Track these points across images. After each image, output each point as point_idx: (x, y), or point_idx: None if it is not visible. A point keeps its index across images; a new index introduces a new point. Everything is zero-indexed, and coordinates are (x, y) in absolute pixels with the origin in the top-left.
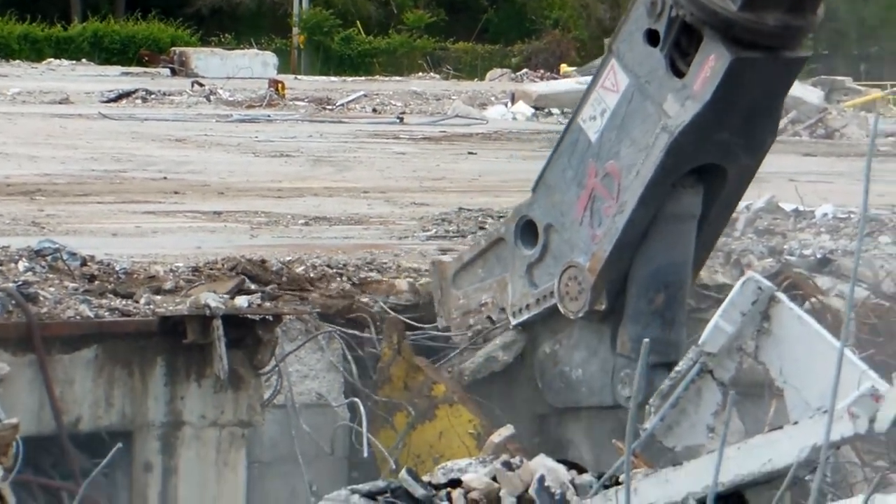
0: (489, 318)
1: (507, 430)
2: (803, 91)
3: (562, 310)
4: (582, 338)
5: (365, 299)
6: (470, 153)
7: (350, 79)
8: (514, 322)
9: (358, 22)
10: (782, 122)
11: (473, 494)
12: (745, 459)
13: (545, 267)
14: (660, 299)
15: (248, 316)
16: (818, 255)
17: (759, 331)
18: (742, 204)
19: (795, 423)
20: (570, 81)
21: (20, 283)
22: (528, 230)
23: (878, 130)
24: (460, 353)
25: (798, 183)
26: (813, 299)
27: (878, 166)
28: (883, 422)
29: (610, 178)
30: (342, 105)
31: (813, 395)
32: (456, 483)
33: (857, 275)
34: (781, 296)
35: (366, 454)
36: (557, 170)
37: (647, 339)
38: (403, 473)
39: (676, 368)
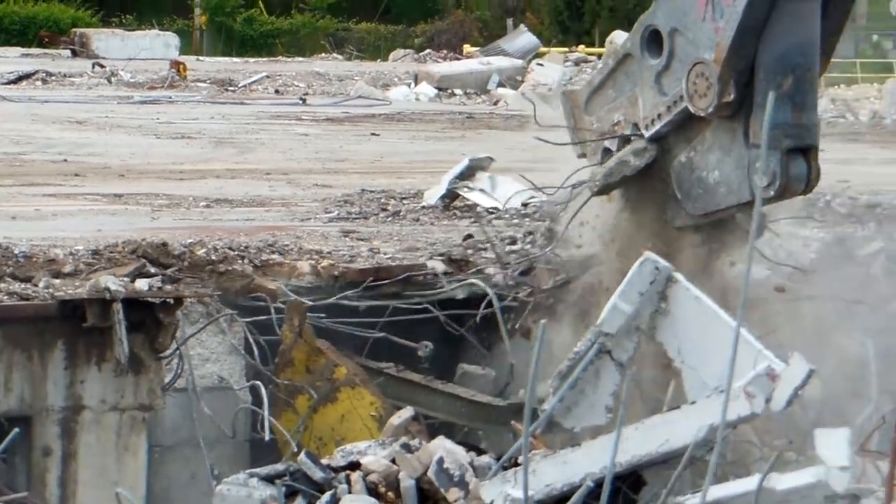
0: (623, 136)
1: (407, 412)
2: None
3: (692, 109)
4: (715, 139)
5: (266, 281)
6: (373, 134)
7: (252, 60)
8: (647, 134)
9: (260, 2)
10: None
11: (373, 477)
12: (643, 440)
13: (673, 73)
14: (788, 82)
15: (149, 299)
16: None
17: (657, 311)
18: None
19: (693, 402)
20: (472, 62)
21: None
22: (653, 39)
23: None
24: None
25: None
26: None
27: None
28: (779, 401)
29: None
30: (244, 86)
31: (710, 375)
32: (355, 466)
33: (753, 255)
34: (679, 276)
35: (267, 437)
36: None
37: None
38: (303, 456)
39: (575, 349)
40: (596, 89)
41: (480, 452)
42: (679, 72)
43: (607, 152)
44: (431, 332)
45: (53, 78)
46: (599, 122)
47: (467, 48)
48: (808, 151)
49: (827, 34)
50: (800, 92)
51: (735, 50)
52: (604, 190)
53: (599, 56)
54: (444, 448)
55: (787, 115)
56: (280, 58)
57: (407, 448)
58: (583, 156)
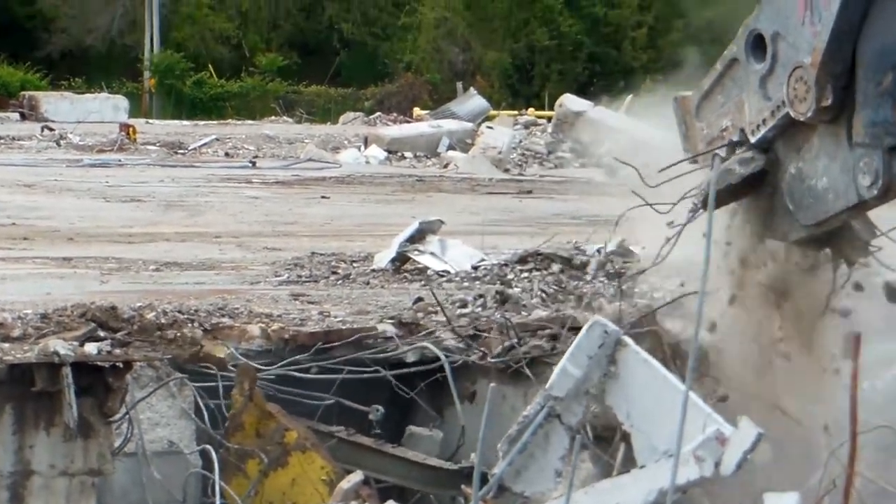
0: (731, 141)
1: (356, 476)
2: (653, 134)
3: (793, 114)
4: (822, 145)
5: (216, 347)
6: (323, 197)
7: (202, 122)
8: (753, 140)
9: (210, 65)
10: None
11: None
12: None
13: (776, 77)
14: (888, 79)
15: (98, 363)
16: (668, 298)
17: (606, 374)
18: (593, 247)
19: (642, 466)
20: (422, 125)
21: None
22: (757, 44)
23: None
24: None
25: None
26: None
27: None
28: (728, 465)
29: None
30: (194, 149)
31: (659, 439)
32: None
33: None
34: (627, 339)
35: (218, 502)
36: None
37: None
38: None
39: (524, 413)
40: (706, 95)
41: None
42: (781, 76)
43: (717, 158)
44: (382, 396)
45: (2, 141)
46: (709, 128)
47: (417, 111)
48: None
49: None
50: None
51: (831, 53)
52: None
53: (549, 119)
54: None
55: (887, 113)
56: (230, 121)
57: None
58: (694, 161)
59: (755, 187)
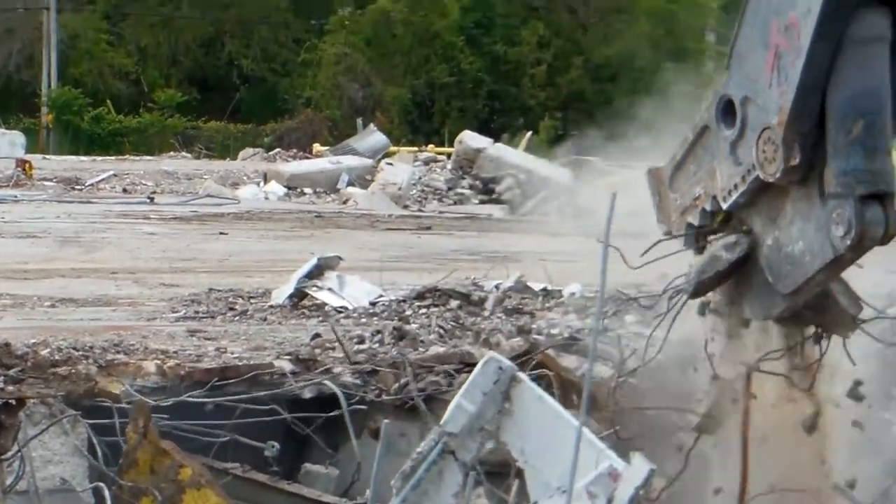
0: (703, 210)
1: None
2: (552, 171)
3: (762, 175)
4: (795, 209)
5: (110, 384)
6: (221, 233)
7: (100, 158)
8: (725, 206)
9: (108, 101)
10: (531, 203)
11: None
12: None
13: (746, 142)
14: (858, 128)
15: None
16: (565, 335)
17: (501, 411)
18: (491, 283)
19: (535, 502)
20: (322, 161)
21: None
22: (727, 109)
23: (625, 209)
24: None
25: (547, 262)
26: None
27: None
28: (621, 500)
29: (790, 29)
30: (91, 185)
31: (553, 475)
32: None
33: (596, 353)
34: (522, 376)
35: None
36: (745, 38)
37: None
38: None
39: (418, 449)
40: (678, 165)
41: None
42: (751, 140)
43: (690, 227)
44: (279, 432)
45: None
46: (682, 197)
47: (317, 147)
48: (883, 198)
49: None
50: (870, 137)
51: (797, 112)
52: (699, 290)
53: (449, 156)
54: None
55: (858, 162)
56: (128, 156)
57: None
58: (668, 233)
59: (737, 270)
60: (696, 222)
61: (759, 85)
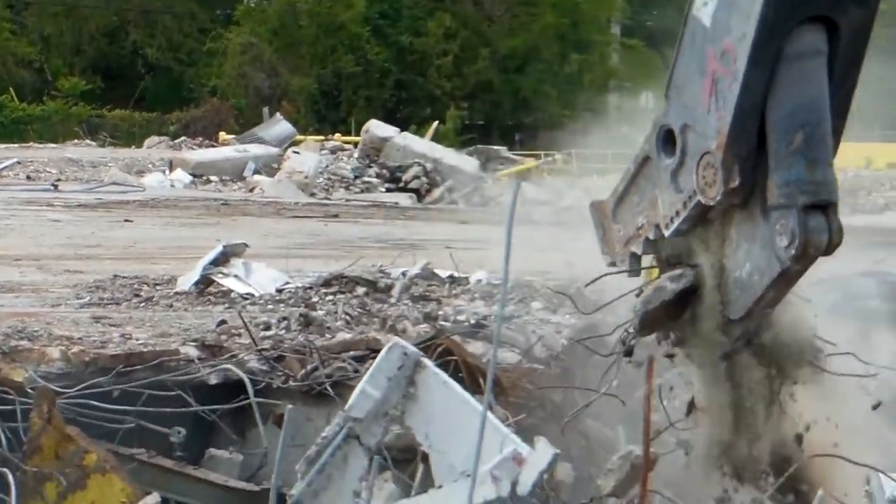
0: (646, 238)
1: (153, 499)
2: (459, 160)
3: (703, 200)
4: (739, 233)
5: (13, 370)
6: (126, 220)
7: (3, 146)
8: (667, 233)
9: (11, 89)
10: (437, 192)
11: None
12: None
13: (687, 169)
14: (798, 139)
15: None
16: (472, 321)
17: (406, 396)
18: (397, 271)
19: (440, 486)
20: (228, 149)
21: None
22: (667, 139)
23: (532, 199)
24: None
25: (453, 250)
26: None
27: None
28: (525, 484)
29: (727, 55)
30: None
31: (457, 459)
32: None
33: (500, 339)
34: (427, 361)
35: None
36: (682, 67)
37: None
38: None
39: (323, 434)
40: (621, 197)
41: None
42: (691, 167)
43: (634, 257)
44: (185, 418)
45: None
46: (625, 228)
47: (223, 136)
48: (826, 208)
49: (836, 94)
50: (811, 148)
51: (735, 134)
52: (645, 321)
53: (355, 145)
54: None
55: (800, 172)
56: (32, 144)
57: None
58: (613, 264)
59: (685, 307)
60: (639, 251)
61: (697, 112)
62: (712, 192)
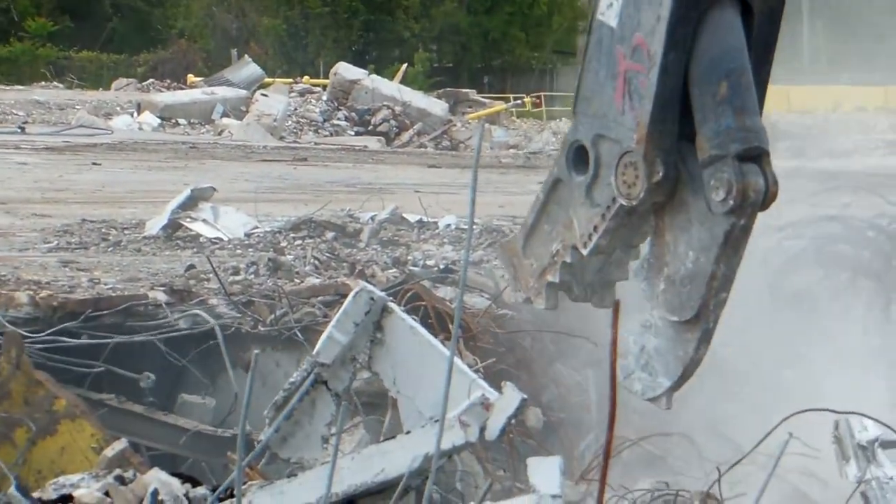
0: (564, 263)
1: (120, 444)
2: (428, 103)
3: (625, 202)
4: (674, 230)
5: None
6: (94, 164)
7: None
8: (585, 252)
9: None
10: (406, 135)
11: None
12: (359, 470)
13: (602, 180)
14: (724, 88)
15: None
16: (441, 266)
17: (373, 341)
18: (366, 215)
19: (408, 432)
20: (196, 92)
21: None
22: (579, 155)
23: (500, 142)
24: None
25: (422, 194)
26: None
27: (499, 178)
28: (493, 430)
29: (639, 49)
30: None
31: (425, 405)
32: (68, 499)
33: (466, 283)
34: (394, 306)
35: None
36: (590, 77)
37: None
38: (12, 489)
39: (291, 380)
40: (531, 229)
41: (196, 484)
42: (608, 177)
43: (551, 287)
44: (154, 363)
45: None
46: (538, 260)
47: (191, 78)
48: (759, 157)
49: (757, 60)
50: (737, 95)
51: (656, 123)
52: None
53: (324, 87)
54: (158, 480)
55: (729, 121)
56: None
57: (121, 480)
58: (528, 300)
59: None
60: (556, 279)
61: (609, 118)
62: (635, 191)
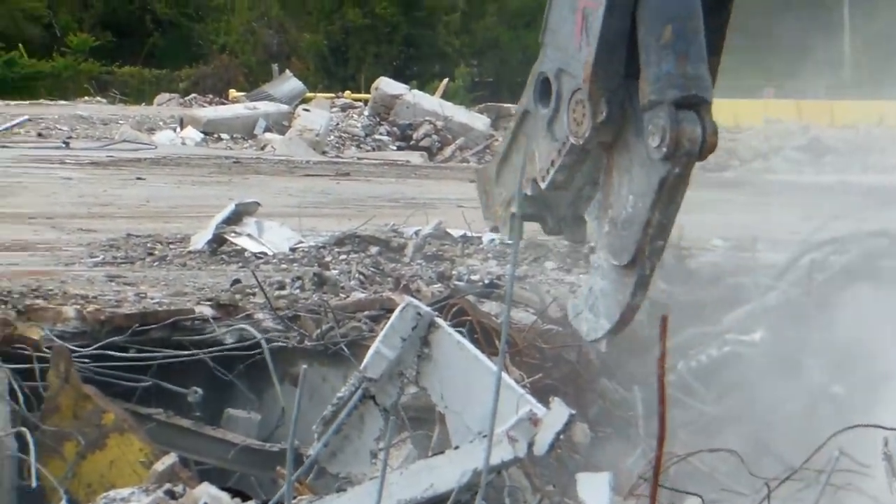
0: (525, 194)
1: (170, 458)
2: (470, 118)
3: (573, 140)
4: (618, 171)
5: (30, 329)
6: (138, 178)
7: (13, 102)
8: (543, 185)
9: (20, 45)
10: (449, 150)
11: None
12: (407, 485)
13: (562, 115)
14: (668, 32)
15: None
16: (485, 281)
17: (420, 356)
18: (410, 230)
19: (456, 447)
20: (238, 107)
21: None
22: (544, 88)
23: None
24: None
25: (465, 209)
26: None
27: None
28: (541, 445)
29: None
30: (5, 129)
31: (473, 420)
32: None
33: (513, 298)
34: (440, 321)
35: (35, 485)
36: (556, 9)
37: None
38: (63, 502)
39: (339, 395)
40: (503, 159)
41: (246, 498)
42: (565, 111)
43: (514, 217)
44: (201, 378)
45: None
46: (507, 190)
47: (233, 93)
48: (699, 106)
49: (708, 27)
50: (682, 41)
51: (600, 63)
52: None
53: (365, 102)
54: (208, 494)
55: (670, 66)
56: (42, 101)
57: (171, 494)
58: (495, 228)
59: None
60: (517, 211)
61: (570, 53)
62: (582, 130)
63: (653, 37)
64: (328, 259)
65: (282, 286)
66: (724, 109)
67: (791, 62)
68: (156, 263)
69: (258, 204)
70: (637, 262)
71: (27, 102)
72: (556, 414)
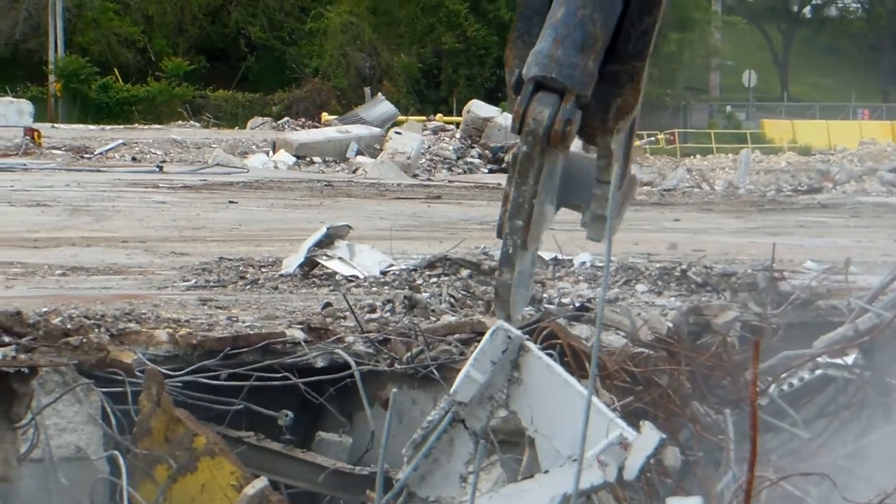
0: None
1: (261, 482)
2: None
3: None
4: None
5: (122, 353)
6: (231, 202)
7: (108, 127)
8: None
9: (115, 69)
10: None
11: None
12: None
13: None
14: (559, 14)
15: (3, 369)
16: (576, 304)
17: (510, 380)
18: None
19: (546, 471)
20: (331, 130)
21: None
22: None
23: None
24: None
25: (556, 231)
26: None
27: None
28: (632, 469)
29: None
30: (100, 153)
31: (563, 444)
32: None
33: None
34: (531, 345)
35: None
36: None
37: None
38: None
39: (429, 418)
40: None
41: None
42: None
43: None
44: (292, 401)
45: None
46: None
47: (325, 116)
48: (563, 93)
49: (634, 32)
50: (566, 26)
51: (519, 32)
52: None
53: (457, 125)
54: None
55: (545, 45)
56: (136, 125)
57: None
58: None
59: None
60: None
61: None
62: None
63: (548, 16)
64: (419, 282)
65: (372, 309)
66: (818, 130)
67: (887, 83)
68: (247, 287)
69: (350, 227)
70: (501, 236)
71: (122, 127)
72: (647, 438)
